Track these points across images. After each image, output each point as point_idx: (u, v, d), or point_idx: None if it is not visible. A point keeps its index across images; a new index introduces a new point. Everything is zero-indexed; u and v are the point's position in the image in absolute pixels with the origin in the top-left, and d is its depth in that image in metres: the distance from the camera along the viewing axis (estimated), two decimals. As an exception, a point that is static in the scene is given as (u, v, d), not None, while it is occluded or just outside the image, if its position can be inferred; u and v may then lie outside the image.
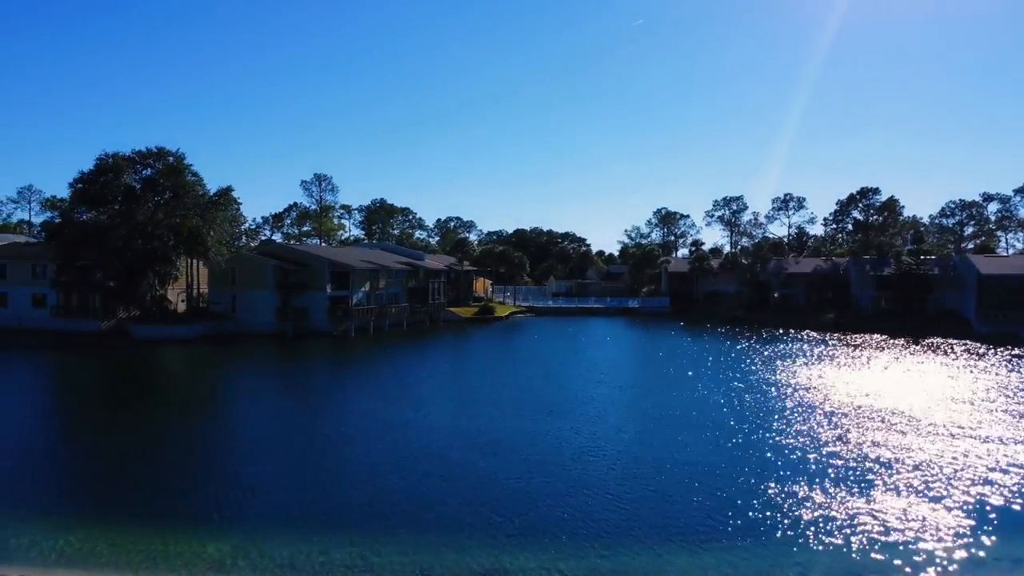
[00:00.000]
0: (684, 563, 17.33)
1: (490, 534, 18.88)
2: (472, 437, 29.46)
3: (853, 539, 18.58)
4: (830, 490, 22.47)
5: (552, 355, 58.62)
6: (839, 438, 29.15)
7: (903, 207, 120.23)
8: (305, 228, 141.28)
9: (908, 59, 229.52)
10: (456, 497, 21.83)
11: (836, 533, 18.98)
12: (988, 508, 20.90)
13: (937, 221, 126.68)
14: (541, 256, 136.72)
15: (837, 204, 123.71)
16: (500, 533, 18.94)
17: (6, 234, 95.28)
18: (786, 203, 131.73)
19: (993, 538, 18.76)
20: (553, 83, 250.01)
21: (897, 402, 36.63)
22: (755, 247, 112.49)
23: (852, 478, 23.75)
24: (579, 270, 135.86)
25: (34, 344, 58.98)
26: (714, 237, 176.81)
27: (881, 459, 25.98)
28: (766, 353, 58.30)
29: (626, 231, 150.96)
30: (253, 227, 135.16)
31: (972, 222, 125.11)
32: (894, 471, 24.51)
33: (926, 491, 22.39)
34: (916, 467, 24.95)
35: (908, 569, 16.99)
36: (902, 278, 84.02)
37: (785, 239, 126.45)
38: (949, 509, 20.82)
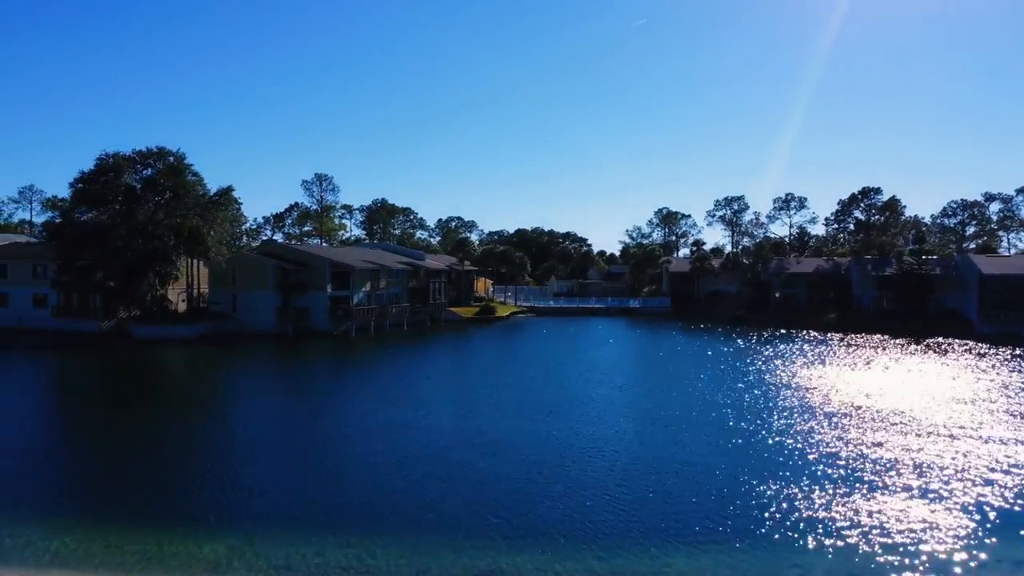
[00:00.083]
0: (683, 564, 17.24)
1: (488, 535, 18.80)
2: (472, 437, 29.40)
3: (853, 540, 18.48)
4: (830, 491, 22.37)
5: (553, 355, 58.54)
6: (840, 438, 29.05)
7: (905, 207, 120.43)
8: (306, 228, 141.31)
9: (909, 58, 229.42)
10: (455, 498, 21.75)
11: (836, 534, 18.88)
12: (989, 509, 20.79)
13: (939, 221, 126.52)
14: (542, 256, 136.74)
15: (839, 204, 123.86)
16: (498, 534, 18.86)
17: (7, 234, 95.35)
18: (787, 203, 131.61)
19: (993, 539, 18.65)
20: (553, 83, 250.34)
21: (898, 402, 36.51)
22: (756, 247, 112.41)
23: (852, 479, 23.65)
24: (580, 270, 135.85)
25: (35, 344, 59.00)
26: (715, 237, 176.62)
27: (882, 460, 25.88)
28: (767, 353, 58.18)
29: (627, 231, 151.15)
30: (254, 227, 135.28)
31: (974, 222, 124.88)
32: (895, 472, 24.40)
33: (927, 492, 22.28)
34: (917, 468, 24.85)
35: (908, 571, 16.88)
36: (904, 278, 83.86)
37: (786, 239, 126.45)
38: (950, 510, 20.72)
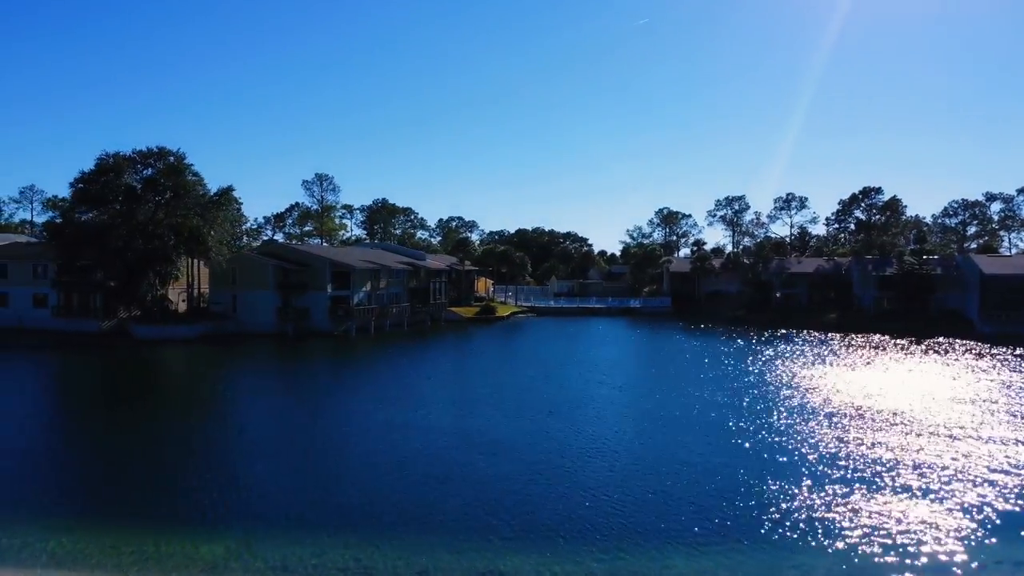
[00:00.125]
0: (683, 565, 17.20)
1: (487, 536, 18.76)
2: (472, 437, 29.36)
3: (853, 540, 18.44)
4: (831, 491, 22.32)
5: (553, 355, 58.49)
6: (840, 438, 28.99)
7: (906, 207, 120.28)
8: (307, 228, 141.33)
9: (910, 58, 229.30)
10: (455, 498, 21.71)
11: (837, 535, 18.84)
12: (989, 509, 20.74)
13: (940, 221, 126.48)
14: (543, 256, 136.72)
15: (839, 204, 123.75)
16: (497, 535, 18.82)
17: (7, 234, 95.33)
18: (788, 203, 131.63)
19: (993, 539, 18.61)
20: (553, 83, 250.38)
21: (899, 402, 36.46)
22: (757, 247, 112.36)
23: (853, 479, 23.60)
24: (581, 270, 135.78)
25: (35, 344, 58.99)
26: (716, 237, 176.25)
27: (882, 460, 25.83)
28: (767, 353, 58.11)
29: (628, 231, 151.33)
30: (254, 227, 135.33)
31: (975, 222, 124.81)
32: (895, 472, 24.35)
33: (927, 492, 22.24)
34: (917, 468, 24.80)
35: (908, 571, 16.84)
36: (904, 278, 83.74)
37: (787, 239, 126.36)
38: (950, 510, 20.67)
